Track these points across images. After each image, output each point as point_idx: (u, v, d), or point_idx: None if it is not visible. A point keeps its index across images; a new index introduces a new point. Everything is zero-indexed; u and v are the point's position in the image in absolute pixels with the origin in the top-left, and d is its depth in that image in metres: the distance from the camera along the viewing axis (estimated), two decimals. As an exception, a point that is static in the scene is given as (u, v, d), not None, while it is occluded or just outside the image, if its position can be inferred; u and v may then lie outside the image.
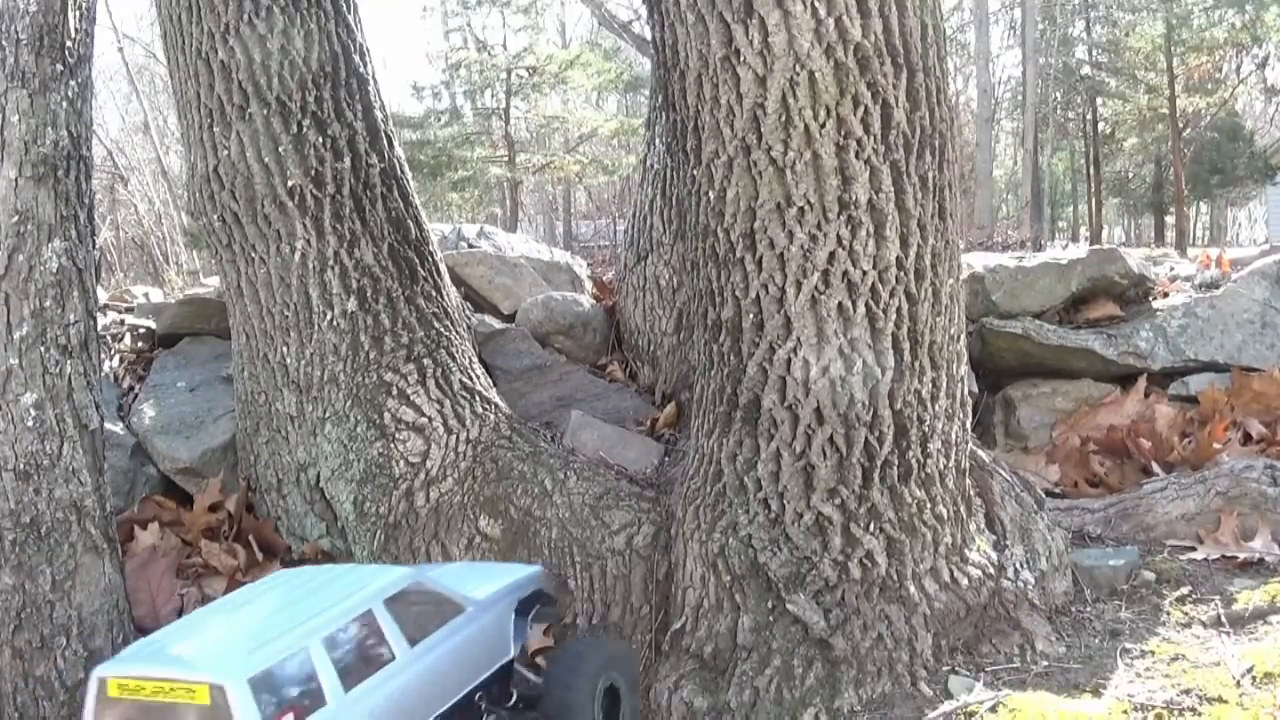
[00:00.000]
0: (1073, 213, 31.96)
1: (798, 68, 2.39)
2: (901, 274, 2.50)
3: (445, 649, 2.30)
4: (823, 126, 2.41)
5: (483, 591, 2.48)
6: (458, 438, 3.19)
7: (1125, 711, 2.18)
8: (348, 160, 3.32)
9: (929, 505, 2.58)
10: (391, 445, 3.18)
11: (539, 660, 2.52)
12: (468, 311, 3.82)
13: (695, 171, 2.63)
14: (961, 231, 2.96)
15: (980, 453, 2.91)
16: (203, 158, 3.34)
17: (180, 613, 3.13)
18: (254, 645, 2.03)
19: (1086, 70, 25.80)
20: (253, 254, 3.34)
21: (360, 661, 2.14)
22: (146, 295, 5.24)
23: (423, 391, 3.24)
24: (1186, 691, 2.22)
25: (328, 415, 3.26)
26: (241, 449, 3.64)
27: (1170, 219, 25.76)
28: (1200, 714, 2.14)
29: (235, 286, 3.45)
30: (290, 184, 3.24)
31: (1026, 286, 4.32)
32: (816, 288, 2.47)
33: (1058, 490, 3.68)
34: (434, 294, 3.46)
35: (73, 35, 2.72)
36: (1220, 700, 2.16)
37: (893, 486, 2.55)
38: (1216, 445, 3.69)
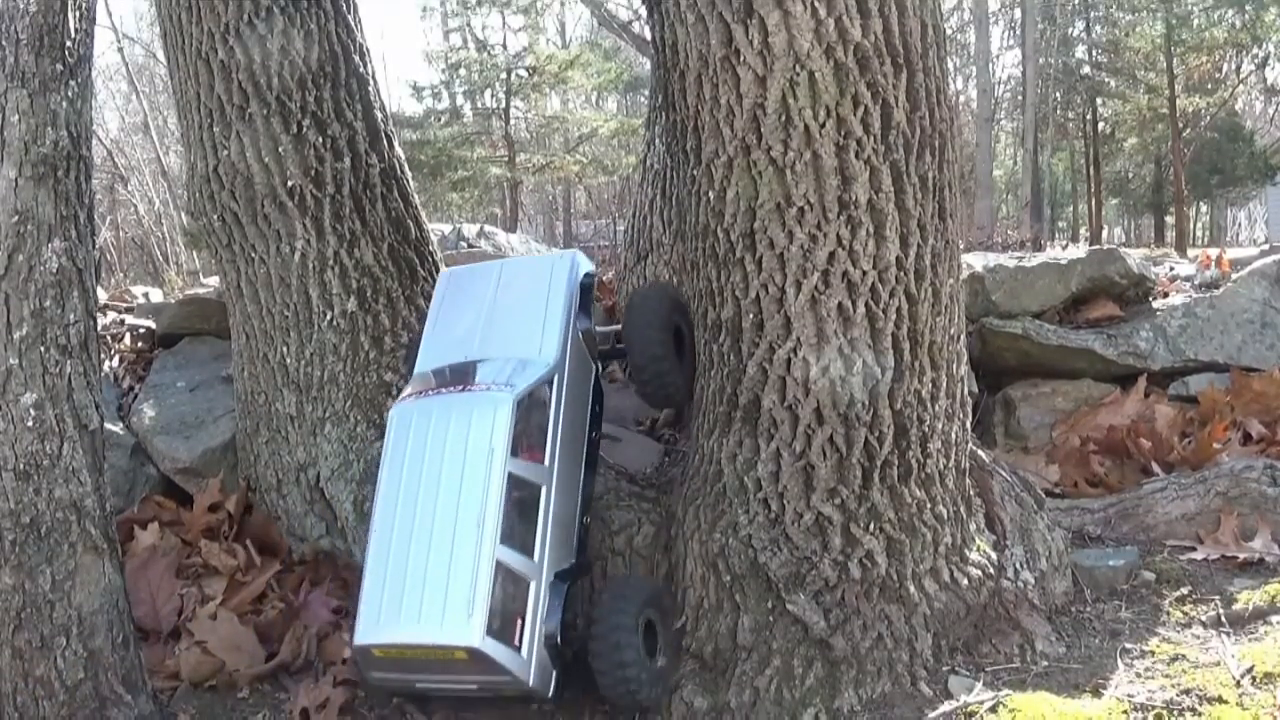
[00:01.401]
0: (1073, 213, 31.98)
1: (798, 68, 2.39)
2: (901, 274, 2.50)
3: (563, 422, 2.63)
4: (823, 126, 2.41)
5: (551, 336, 2.69)
6: (458, 438, 3.18)
7: (1125, 711, 2.18)
8: (348, 160, 3.33)
9: (929, 505, 2.59)
10: (391, 445, 3.17)
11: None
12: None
13: (695, 171, 2.63)
14: (961, 231, 2.96)
15: (980, 453, 2.91)
16: (202, 158, 3.34)
17: (180, 613, 3.13)
18: (467, 595, 2.33)
19: (1086, 70, 25.83)
20: (252, 254, 3.34)
21: (523, 517, 2.48)
22: (146, 295, 5.24)
23: (423, 391, 3.23)
24: (1186, 691, 2.22)
25: (328, 415, 3.26)
26: (241, 449, 3.64)
27: (1170, 219, 25.79)
28: (1200, 714, 2.14)
29: (235, 286, 3.45)
30: (290, 184, 3.25)
31: (1026, 286, 4.31)
32: (816, 288, 2.47)
33: (1058, 490, 3.68)
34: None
35: (73, 35, 2.71)
36: (1220, 700, 2.16)
37: (893, 486, 2.55)
38: (1216, 445, 3.69)
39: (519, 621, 2.42)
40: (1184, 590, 2.79)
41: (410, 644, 2.38)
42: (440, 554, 2.41)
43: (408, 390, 2.73)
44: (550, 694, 2.50)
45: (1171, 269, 5.34)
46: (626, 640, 2.46)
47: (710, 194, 2.58)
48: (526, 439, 2.54)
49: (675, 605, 2.70)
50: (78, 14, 2.73)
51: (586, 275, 2.87)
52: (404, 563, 2.44)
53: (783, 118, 2.42)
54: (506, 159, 22.43)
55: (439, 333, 2.88)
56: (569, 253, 2.98)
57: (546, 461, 2.57)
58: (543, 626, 2.46)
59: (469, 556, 2.37)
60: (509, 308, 2.83)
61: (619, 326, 2.91)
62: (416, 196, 3.66)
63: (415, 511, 2.49)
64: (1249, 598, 2.65)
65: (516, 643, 2.39)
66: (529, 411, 2.56)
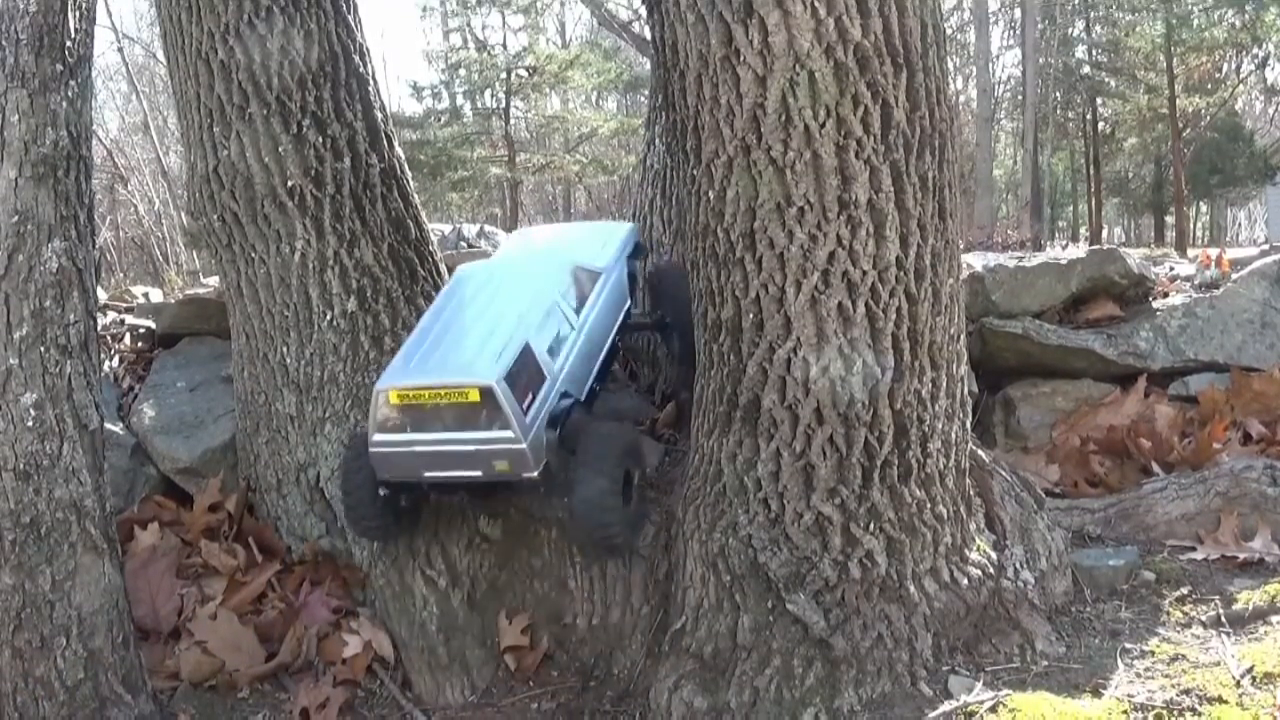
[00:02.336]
0: (1073, 213, 31.99)
1: (798, 68, 2.39)
2: (901, 274, 2.50)
3: (600, 309, 3.11)
4: (823, 126, 2.41)
5: (607, 255, 3.26)
6: (458, 438, 3.19)
7: (1125, 711, 2.18)
8: (347, 160, 3.33)
9: (929, 505, 2.59)
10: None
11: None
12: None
13: (695, 171, 2.63)
14: (961, 231, 2.96)
15: (980, 453, 2.91)
16: (202, 158, 3.34)
17: (180, 613, 3.13)
18: (495, 351, 2.70)
19: (1086, 70, 25.83)
20: (252, 254, 3.34)
21: (554, 340, 2.88)
22: (146, 295, 5.24)
23: (423, 391, 3.24)
24: (1186, 691, 2.22)
25: (328, 415, 3.26)
26: (241, 449, 3.64)
27: (1170, 219, 25.80)
28: (1200, 714, 2.14)
29: (235, 286, 3.45)
30: (290, 184, 3.24)
31: (1026, 286, 4.31)
32: (816, 287, 2.47)
33: (1057, 490, 3.68)
34: (434, 294, 3.45)
35: (72, 35, 2.72)
36: (1220, 700, 2.16)
37: (893, 486, 2.55)
38: (1216, 445, 3.69)
39: (530, 395, 2.72)
40: (1184, 590, 2.79)
41: (428, 385, 2.68)
42: (476, 336, 2.81)
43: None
44: (537, 475, 2.72)
45: (1171, 269, 5.33)
46: (608, 495, 2.72)
47: (710, 194, 2.58)
48: (571, 296, 3.02)
49: (650, 448, 3.09)
50: (78, 14, 2.73)
51: (638, 243, 3.50)
52: (440, 341, 2.84)
53: (783, 117, 2.42)
54: (506, 159, 22.44)
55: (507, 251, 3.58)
56: (628, 224, 3.66)
57: (578, 322, 3.00)
58: (546, 412, 2.76)
59: (504, 331, 2.78)
60: (578, 240, 3.46)
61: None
62: (416, 196, 3.66)
63: (461, 313, 2.94)
64: (1249, 598, 2.65)
65: (524, 407, 2.68)
66: (576, 278, 3.07)
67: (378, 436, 2.74)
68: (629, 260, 3.37)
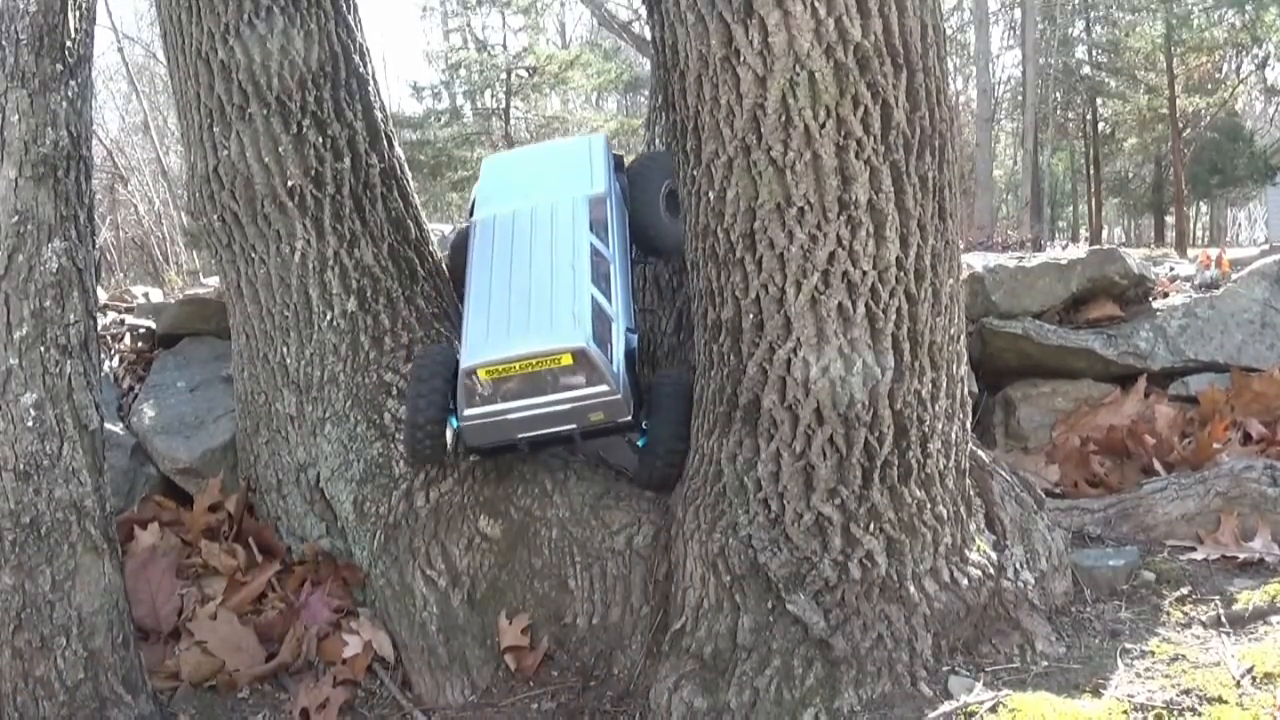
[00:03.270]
0: (1073, 213, 31.99)
1: (798, 68, 2.39)
2: (901, 274, 2.50)
3: (616, 233, 3.17)
4: (823, 127, 2.41)
5: (601, 177, 3.28)
6: (458, 438, 3.19)
7: (1125, 712, 2.18)
8: (348, 160, 3.33)
9: (929, 505, 2.58)
10: (391, 445, 3.18)
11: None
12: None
13: (695, 172, 2.63)
14: (961, 232, 2.96)
15: (980, 453, 2.91)
16: (202, 158, 3.34)
17: (180, 613, 3.13)
18: (570, 310, 2.85)
19: (1086, 70, 25.83)
20: (252, 254, 3.34)
21: (602, 277, 2.98)
22: (146, 295, 5.23)
23: (423, 391, 3.24)
24: (1186, 692, 2.22)
25: (328, 415, 3.26)
26: (241, 449, 3.64)
27: (1170, 219, 25.80)
28: (1200, 714, 2.14)
29: (235, 287, 3.45)
30: (290, 184, 3.25)
31: (1026, 287, 4.31)
32: (816, 288, 2.47)
33: (1058, 490, 3.68)
34: (434, 294, 3.46)
35: (73, 35, 2.72)
36: (1220, 700, 2.16)
37: (893, 487, 2.55)
38: (1216, 445, 3.69)
39: (608, 345, 2.86)
40: (1184, 590, 2.79)
41: (519, 356, 2.77)
42: (540, 294, 2.90)
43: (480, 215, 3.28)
44: (632, 419, 2.91)
45: (1171, 269, 5.34)
46: (681, 440, 2.91)
47: (710, 194, 2.58)
48: (597, 227, 3.11)
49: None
50: (78, 14, 2.74)
51: (616, 155, 3.47)
52: (505, 305, 2.92)
53: (783, 118, 2.42)
54: (506, 159, 22.39)
55: (496, 189, 3.44)
56: (598, 134, 3.71)
57: (610, 254, 3.08)
58: (623, 355, 2.89)
59: (568, 289, 2.88)
60: (568, 166, 3.40)
61: None
62: (416, 196, 3.66)
63: (510, 271, 3.01)
64: (1249, 598, 2.65)
65: (609, 357, 2.83)
66: (593, 210, 3.15)
67: (469, 411, 2.83)
68: (616, 175, 3.39)
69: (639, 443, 3.06)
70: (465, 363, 2.81)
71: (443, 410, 2.88)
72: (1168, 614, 2.69)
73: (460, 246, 3.45)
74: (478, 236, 3.21)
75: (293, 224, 3.27)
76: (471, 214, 3.38)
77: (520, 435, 2.88)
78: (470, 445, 2.94)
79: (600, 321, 2.87)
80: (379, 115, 3.49)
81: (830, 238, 2.45)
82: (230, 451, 3.71)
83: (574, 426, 2.88)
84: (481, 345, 2.85)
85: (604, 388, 2.81)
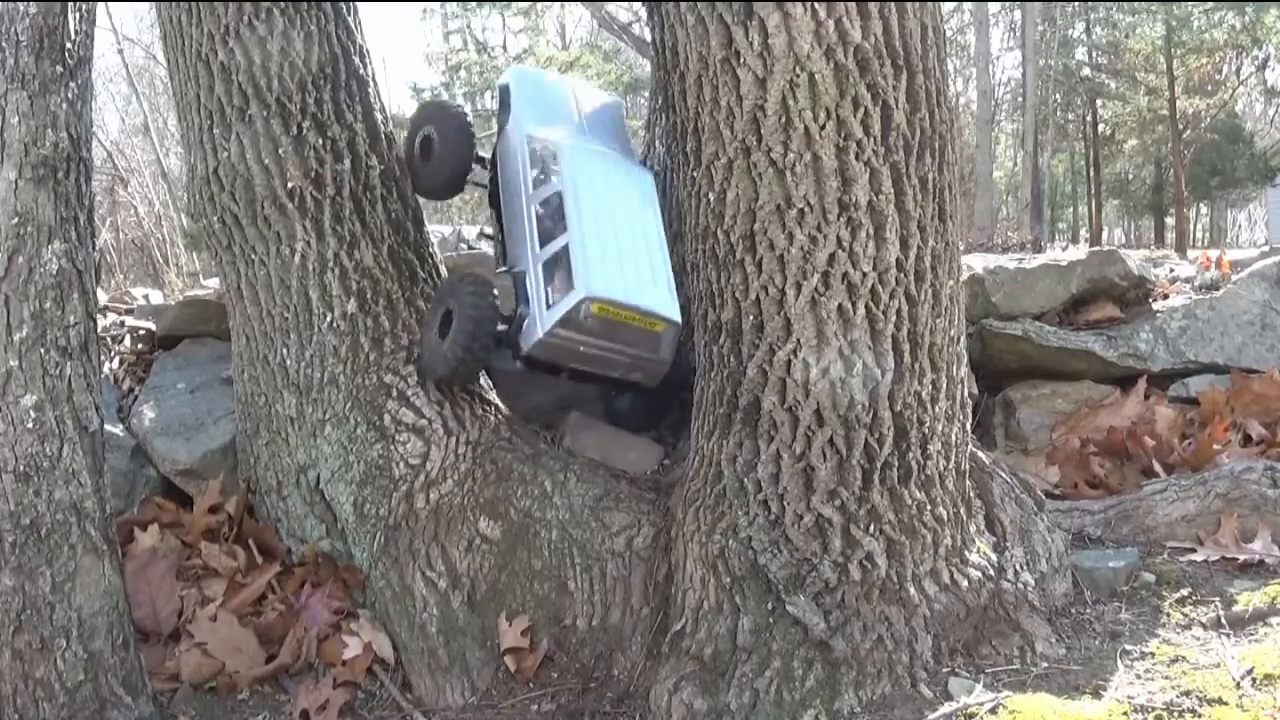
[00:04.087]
0: (1073, 214, 31.99)
1: (798, 69, 2.39)
2: (901, 276, 2.50)
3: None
4: (823, 128, 2.41)
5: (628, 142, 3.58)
6: (457, 439, 3.19)
7: (1125, 713, 2.18)
8: (348, 162, 3.33)
9: (929, 507, 2.59)
10: (391, 447, 3.18)
11: None
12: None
13: (695, 173, 2.63)
14: (961, 233, 2.96)
15: (980, 454, 2.91)
16: (202, 159, 3.34)
17: (180, 615, 3.13)
18: (666, 282, 3.06)
19: (1086, 72, 25.83)
20: (252, 256, 3.34)
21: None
22: (146, 297, 5.24)
23: (422, 393, 3.24)
24: (1186, 693, 2.22)
25: (327, 417, 3.26)
26: (241, 451, 3.64)
27: (1170, 221, 25.80)
28: (1200, 715, 2.14)
29: (235, 288, 3.45)
30: (290, 186, 3.25)
31: (1026, 288, 4.31)
32: (816, 289, 2.47)
33: (1058, 492, 3.68)
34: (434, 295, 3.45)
35: (73, 37, 2.72)
36: (1220, 702, 2.16)
37: (893, 488, 2.55)
38: (1216, 447, 3.69)
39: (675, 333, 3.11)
40: (1184, 592, 2.79)
41: (634, 307, 2.98)
42: (642, 256, 3.08)
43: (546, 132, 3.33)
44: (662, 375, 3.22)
45: (1171, 271, 5.33)
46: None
47: (710, 195, 2.58)
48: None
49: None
50: (78, 16, 2.74)
51: None
52: (616, 250, 3.04)
53: (783, 119, 2.43)
54: (506, 160, 22.38)
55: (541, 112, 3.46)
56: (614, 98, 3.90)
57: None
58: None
59: (658, 257, 3.11)
60: (612, 129, 3.62)
61: None
62: (416, 199, 3.66)
63: (607, 215, 3.12)
64: (1249, 599, 2.65)
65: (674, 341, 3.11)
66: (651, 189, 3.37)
67: (561, 331, 2.99)
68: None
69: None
70: (585, 290, 2.93)
71: (491, 348, 3.11)
72: (1168, 615, 2.69)
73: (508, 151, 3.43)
74: (568, 156, 3.22)
75: (293, 226, 3.27)
76: (503, 116, 3.45)
77: (573, 364, 3.12)
78: (529, 355, 3.10)
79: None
80: (379, 117, 3.49)
81: (830, 239, 2.45)
82: (230, 453, 3.71)
83: (617, 375, 3.18)
84: (599, 279, 2.96)
85: (663, 357, 3.13)
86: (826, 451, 2.53)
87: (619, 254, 3.04)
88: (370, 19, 3.76)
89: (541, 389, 4.01)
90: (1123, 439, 3.85)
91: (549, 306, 3.01)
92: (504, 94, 3.46)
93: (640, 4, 15.00)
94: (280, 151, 3.24)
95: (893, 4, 2.42)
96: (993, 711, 2.25)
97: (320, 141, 3.28)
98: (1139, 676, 2.36)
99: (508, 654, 2.93)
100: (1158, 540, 3.14)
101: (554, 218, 3.12)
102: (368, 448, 3.20)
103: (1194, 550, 3.02)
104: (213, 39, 3.24)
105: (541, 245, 3.11)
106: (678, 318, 3.04)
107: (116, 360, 4.45)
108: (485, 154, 3.49)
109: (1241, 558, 2.93)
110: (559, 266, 3.05)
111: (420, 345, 3.25)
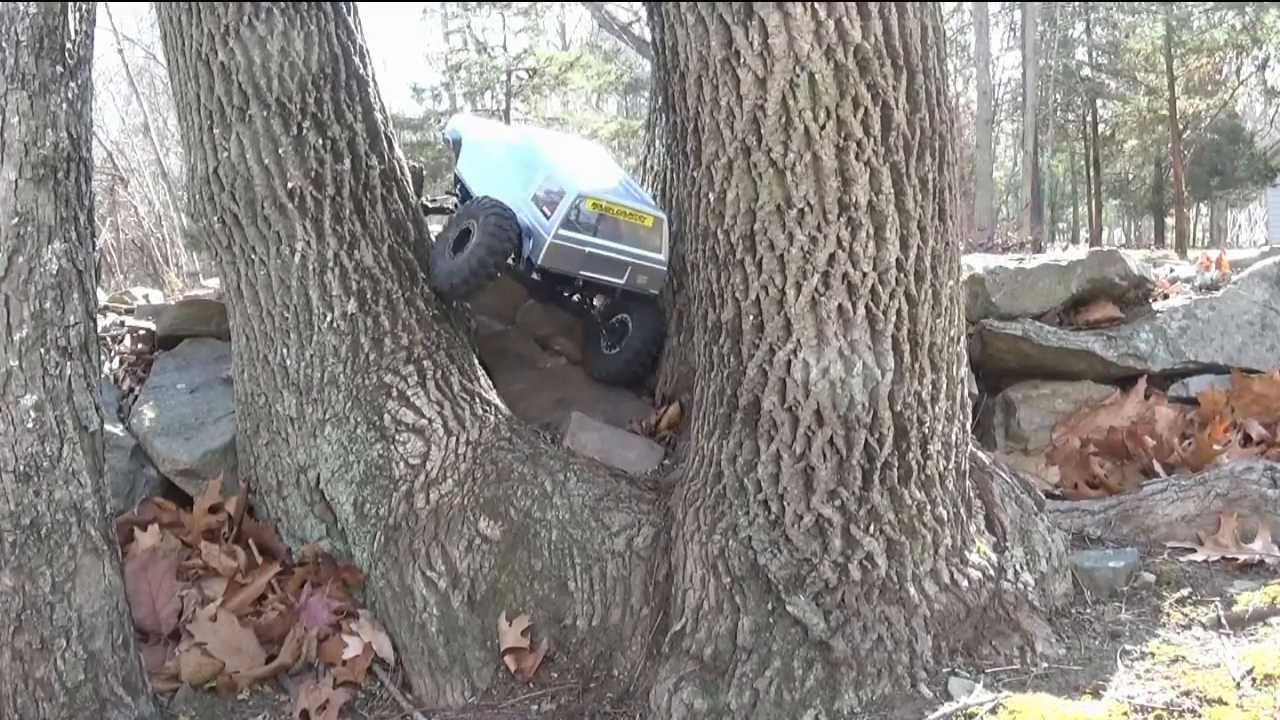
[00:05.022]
0: (1073, 214, 32.00)
1: (798, 69, 2.39)
2: (902, 276, 2.50)
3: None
4: (823, 128, 2.41)
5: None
6: (458, 439, 3.19)
7: (1125, 713, 2.18)
8: (348, 162, 3.33)
9: (929, 507, 2.58)
10: (391, 447, 3.18)
11: None
12: (468, 313, 3.82)
13: (695, 173, 2.63)
14: (961, 233, 2.96)
15: (980, 454, 2.91)
16: (202, 159, 3.34)
17: (180, 615, 3.13)
18: (638, 193, 3.81)
19: (1086, 72, 25.83)
20: (252, 256, 3.34)
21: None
22: (146, 297, 5.24)
23: (423, 393, 3.24)
24: (1186, 693, 2.22)
25: (328, 417, 3.26)
26: (241, 451, 3.64)
27: (1170, 221, 25.80)
28: (1200, 715, 2.14)
29: (235, 288, 3.45)
30: (290, 185, 3.25)
31: (1026, 288, 4.31)
32: (816, 289, 2.47)
33: (1058, 492, 3.68)
34: (434, 296, 3.46)
35: (73, 37, 2.72)
36: (1220, 702, 2.16)
37: (893, 488, 2.55)
38: (1216, 447, 3.69)
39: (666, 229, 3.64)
40: (1184, 592, 2.79)
41: (620, 201, 3.55)
42: (610, 177, 3.82)
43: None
44: (657, 293, 3.74)
45: (1171, 271, 5.33)
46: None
47: (710, 195, 2.58)
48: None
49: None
50: (78, 16, 2.74)
51: None
52: (587, 170, 3.73)
53: (783, 119, 2.42)
54: (506, 160, 22.36)
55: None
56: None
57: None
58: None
59: (630, 182, 3.80)
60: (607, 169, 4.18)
61: None
62: (416, 198, 3.66)
63: (580, 159, 3.94)
64: (1249, 599, 2.64)
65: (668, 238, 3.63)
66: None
67: (562, 231, 3.46)
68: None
69: (610, 349, 3.91)
70: (577, 189, 3.47)
71: (510, 257, 3.47)
72: (1168, 615, 2.69)
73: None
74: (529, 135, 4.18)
75: (293, 226, 3.27)
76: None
77: (583, 271, 3.55)
78: (543, 264, 3.52)
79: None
80: (379, 117, 3.49)
81: (830, 239, 2.45)
82: (230, 453, 3.71)
83: (622, 281, 3.60)
84: (586, 182, 3.55)
85: (659, 256, 3.61)
86: (826, 451, 2.53)
87: (596, 174, 3.72)
88: (370, 19, 3.76)
89: (542, 389, 4.01)
90: (1123, 439, 3.85)
91: (548, 219, 3.49)
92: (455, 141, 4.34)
93: (640, 4, 15.00)
94: (280, 151, 3.24)
95: (893, 4, 2.42)
96: (993, 711, 2.25)
97: (320, 141, 3.28)
98: (1139, 676, 2.36)
99: (508, 654, 2.93)
100: (1158, 540, 3.14)
101: (531, 166, 3.73)
102: (368, 448, 3.20)
103: (1194, 550, 3.02)
104: (213, 39, 3.24)
105: (528, 188, 3.63)
106: (661, 213, 3.60)
107: (116, 360, 4.45)
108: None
109: (1241, 558, 2.93)
110: (547, 200, 3.55)
111: (430, 259, 3.52)
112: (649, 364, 3.90)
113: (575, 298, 3.95)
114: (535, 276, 3.67)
